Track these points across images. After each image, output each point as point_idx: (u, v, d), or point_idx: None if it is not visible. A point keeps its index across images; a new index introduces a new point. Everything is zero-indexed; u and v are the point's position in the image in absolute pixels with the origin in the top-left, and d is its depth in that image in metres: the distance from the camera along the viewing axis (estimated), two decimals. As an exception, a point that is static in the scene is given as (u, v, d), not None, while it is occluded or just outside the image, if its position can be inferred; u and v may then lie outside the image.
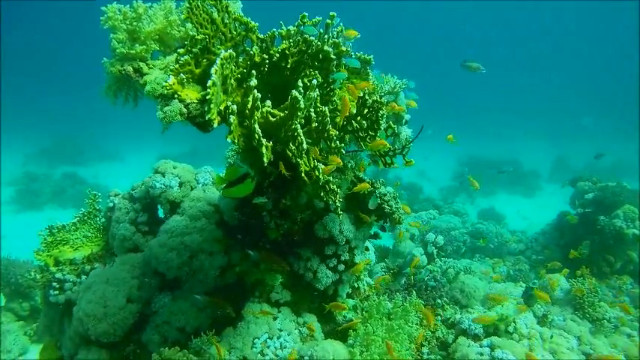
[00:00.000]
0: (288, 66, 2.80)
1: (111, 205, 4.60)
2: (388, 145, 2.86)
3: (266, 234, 3.57)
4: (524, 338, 3.88)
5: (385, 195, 3.45)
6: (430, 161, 21.95)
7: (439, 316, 4.16)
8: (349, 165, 3.60)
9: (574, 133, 26.69)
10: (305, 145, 2.49)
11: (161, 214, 4.48)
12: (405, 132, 3.36)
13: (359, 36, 3.02)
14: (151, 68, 2.86)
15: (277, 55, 2.74)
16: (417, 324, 3.51)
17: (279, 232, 3.50)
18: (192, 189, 4.26)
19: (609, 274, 7.09)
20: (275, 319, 3.53)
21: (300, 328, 3.69)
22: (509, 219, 12.35)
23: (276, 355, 3.37)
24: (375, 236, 3.95)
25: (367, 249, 4.25)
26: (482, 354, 3.44)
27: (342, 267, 3.60)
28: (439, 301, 4.33)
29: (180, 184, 4.31)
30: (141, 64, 2.86)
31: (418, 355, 3.64)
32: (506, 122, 32.91)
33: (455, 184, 16.95)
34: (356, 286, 4.19)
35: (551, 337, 4.03)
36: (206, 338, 3.26)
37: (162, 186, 4.26)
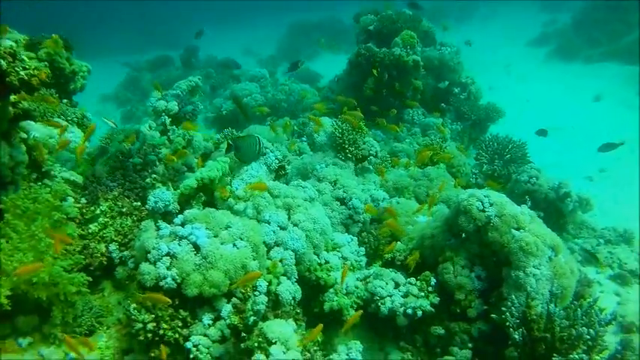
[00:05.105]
0: None
1: None
2: None
3: None
4: (242, 201, 3.06)
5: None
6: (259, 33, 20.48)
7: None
8: None
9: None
10: None
11: None
12: None
13: None
14: None
15: None
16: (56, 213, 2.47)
17: None
18: None
19: (403, 108, 6.73)
20: None
21: None
22: (326, 77, 11.73)
23: None
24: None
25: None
26: (161, 236, 2.52)
27: None
28: (149, 180, 3.32)
29: None
30: None
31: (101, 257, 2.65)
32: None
33: (273, 54, 15.85)
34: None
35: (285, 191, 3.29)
36: None
37: None
